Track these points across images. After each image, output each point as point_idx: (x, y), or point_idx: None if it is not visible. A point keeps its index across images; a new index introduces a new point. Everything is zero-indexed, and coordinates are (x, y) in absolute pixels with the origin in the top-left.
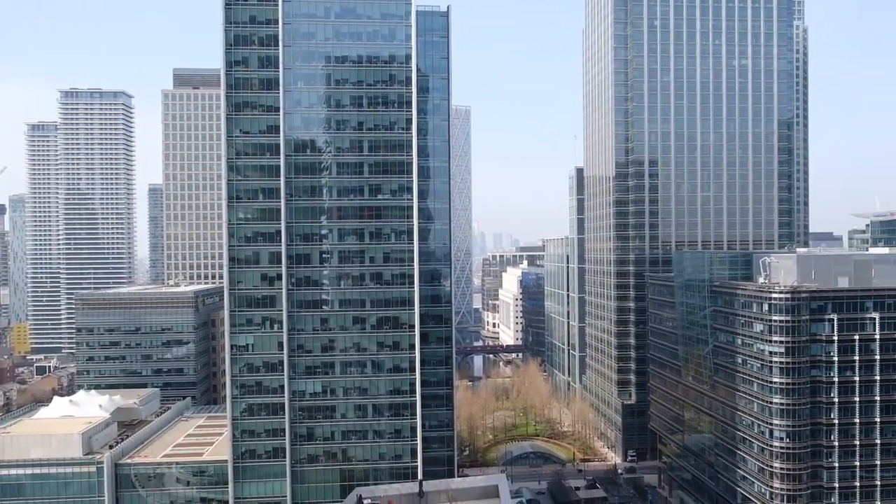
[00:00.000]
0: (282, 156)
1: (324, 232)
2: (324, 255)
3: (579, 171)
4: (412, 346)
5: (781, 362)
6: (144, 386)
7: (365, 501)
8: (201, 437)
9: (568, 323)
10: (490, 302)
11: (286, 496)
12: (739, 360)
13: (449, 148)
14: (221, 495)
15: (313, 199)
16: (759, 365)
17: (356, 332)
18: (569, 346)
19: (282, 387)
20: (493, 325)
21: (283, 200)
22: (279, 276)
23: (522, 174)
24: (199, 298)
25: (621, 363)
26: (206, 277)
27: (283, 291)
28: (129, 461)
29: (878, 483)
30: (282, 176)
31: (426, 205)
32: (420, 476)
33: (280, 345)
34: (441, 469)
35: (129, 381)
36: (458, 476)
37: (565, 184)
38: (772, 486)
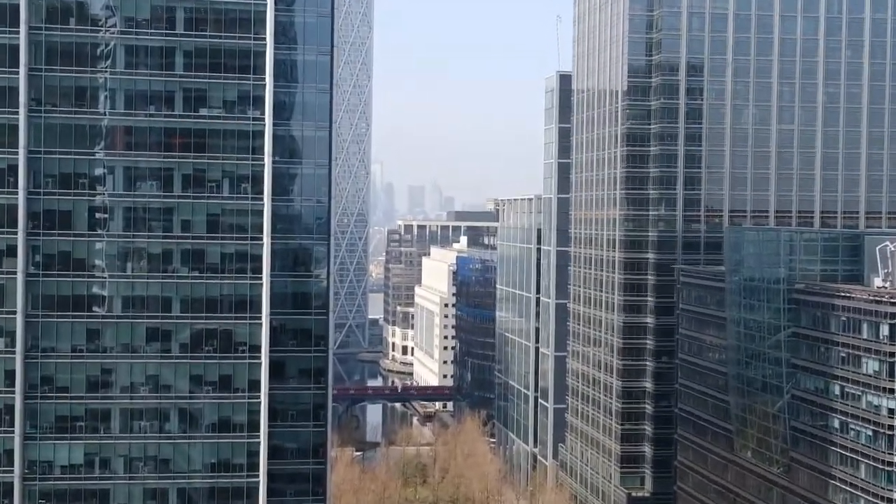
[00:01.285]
0: (22, 28)
1: (98, 172)
2: (97, 216)
3: (564, 81)
4: (255, 385)
5: None
6: None
7: None
8: None
9: (536, 350)
10: (399, 310)
11: None
12: (837, 424)
13: (333, 29)
14: None
15: (80, 111)
16: (870, 432)
17: (153, 357)
18: (537, 391)
19: (9, 452)
20: (404, 349)
21: (22, 111)
22: (11, 250)
23: (463, 85)
24: None
25: (629, 424)
26: None
27: (19, 278)
28: None
29: None
30: (21, 66)
31: (288, 130)
32: None
33: (10, 375)
34: None
35: None
36: None
37: (538, 104)
38: None
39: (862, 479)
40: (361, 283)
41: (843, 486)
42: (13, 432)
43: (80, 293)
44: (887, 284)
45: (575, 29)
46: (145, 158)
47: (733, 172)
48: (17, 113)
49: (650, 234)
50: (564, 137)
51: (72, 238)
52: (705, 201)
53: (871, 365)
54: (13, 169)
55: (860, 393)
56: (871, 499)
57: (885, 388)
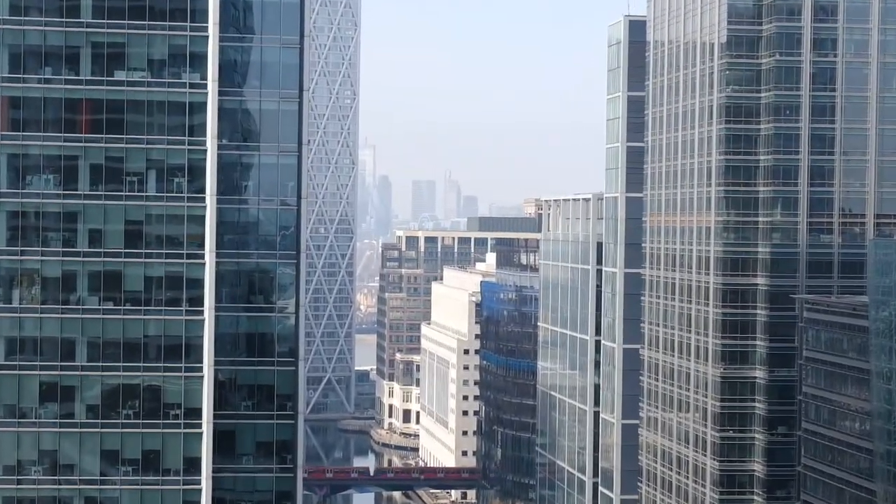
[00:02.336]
0: None
1: None
2: None
3: (634, 30)
4: (193, 465)
5: None
6: None
7: None
8: None
9: (596, 417)
10: (399, 358)
11: None
12: None
13: None
14: None
15: None
16: None
17: (49, 424)
18: (596, 476)
19: None
20: (406, 415)
21: None
22: None
23: (490, 39)
24: None
25: None
26: None
27: None
28: None
29: None
30: None
31: (240, 102)
32: None
33: None
34: None
35: None
36: None
37: (597, 66)
38: None
39: None
40: (345, 321)
41: None
42: None
43: None
44: None
45: None
46: (38, 143)
47: (881, 161)
48: None
49: (760, 249)
50: (636, 111)
51: None
52: (840, 202)
53: None
54: None
55: None
56: None
57: None
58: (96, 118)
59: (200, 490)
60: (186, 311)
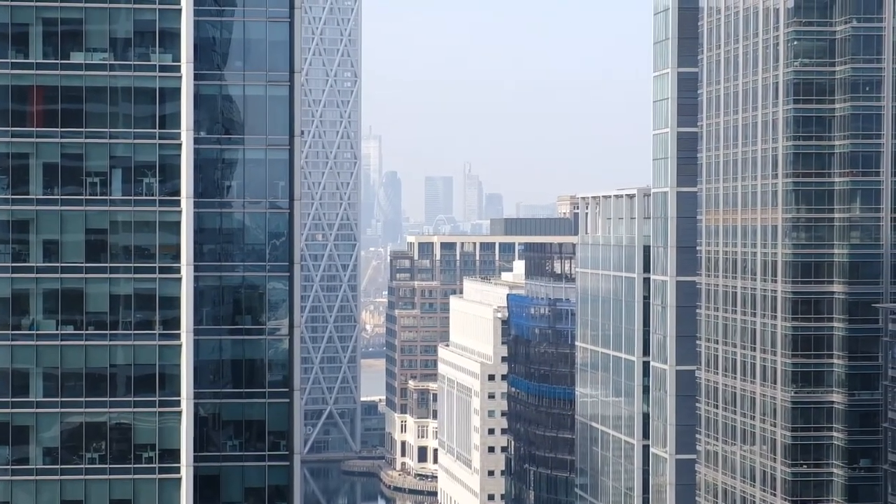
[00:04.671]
0: None
1: None
2: None
3: None
4: None
5: None
6: None
7: None
8: None
9: (645, 451)
10: (413, 386)
11: None
12: None
13: None
14: None
15: None
16: None
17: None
18: None
19: None
20: (422, 453)
21: None
22: None
23: (516, 8)
24: None
25: None
26: None
27: None
28: None
29: None
30: None
31: (220, 87)
32: None
33: None
34: None
35: None
36: None
37: (640, 42)
38: None
39: None
40: (348, 343)
41: None
42: None
43: None
44: None
45: None
46: None
47: None
48: None
49: (836, 251)
50: (687, 90)
51: None
52: None
53: None
54: None
55: None
56: None
57: None
58: (50, 108)
59: None
60: (160, 335)
